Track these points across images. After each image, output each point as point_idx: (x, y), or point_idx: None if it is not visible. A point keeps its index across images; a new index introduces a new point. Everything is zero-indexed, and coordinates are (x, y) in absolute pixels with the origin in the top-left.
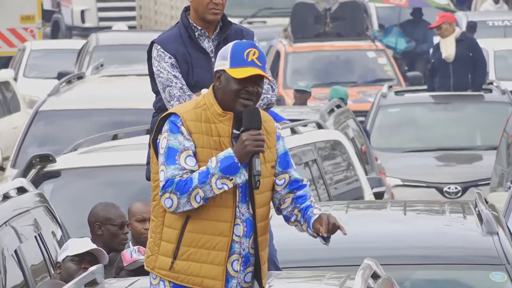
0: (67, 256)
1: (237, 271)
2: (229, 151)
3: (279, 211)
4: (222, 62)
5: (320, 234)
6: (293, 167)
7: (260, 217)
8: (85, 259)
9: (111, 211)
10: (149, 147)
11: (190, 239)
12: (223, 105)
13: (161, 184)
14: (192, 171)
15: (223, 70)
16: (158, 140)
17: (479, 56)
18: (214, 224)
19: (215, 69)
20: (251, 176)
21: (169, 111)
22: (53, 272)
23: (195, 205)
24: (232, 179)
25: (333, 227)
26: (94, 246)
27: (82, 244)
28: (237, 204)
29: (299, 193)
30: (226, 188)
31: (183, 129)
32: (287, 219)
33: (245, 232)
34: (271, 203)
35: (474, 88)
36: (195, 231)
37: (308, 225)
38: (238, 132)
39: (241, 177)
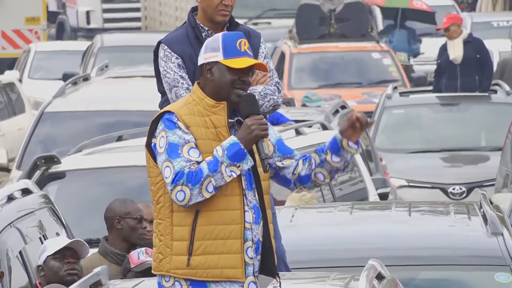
0: (48, 257)
1: (252, 258)
2: (233, 138)
3: (297, 179)
4: (213, 54)
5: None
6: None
7: (267, 204)
8: (66, 254)
9: (129, 205)
10: None
11: (203, 232)
12: (214, 97)
13: (170, 179)
14: (198, 162)
15: (216, 62)
16: (153, 144)
17: (486, 57)
18: (224, 214)
19: (203, 61)
20: (256, 161)
21: (161, 111)
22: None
23: (207, 196)
24: (239, 166)
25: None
26: (70, 241)
27: (59, 241)
28: (244, 191)
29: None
30: (234, 175)
31: (180, 124)
32: (307, 178)
33: (254, 218)
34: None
35: (481, 89)
36: (206, 223)
37: (332, 146)
38: (232, 120)
39: (248, 163)
